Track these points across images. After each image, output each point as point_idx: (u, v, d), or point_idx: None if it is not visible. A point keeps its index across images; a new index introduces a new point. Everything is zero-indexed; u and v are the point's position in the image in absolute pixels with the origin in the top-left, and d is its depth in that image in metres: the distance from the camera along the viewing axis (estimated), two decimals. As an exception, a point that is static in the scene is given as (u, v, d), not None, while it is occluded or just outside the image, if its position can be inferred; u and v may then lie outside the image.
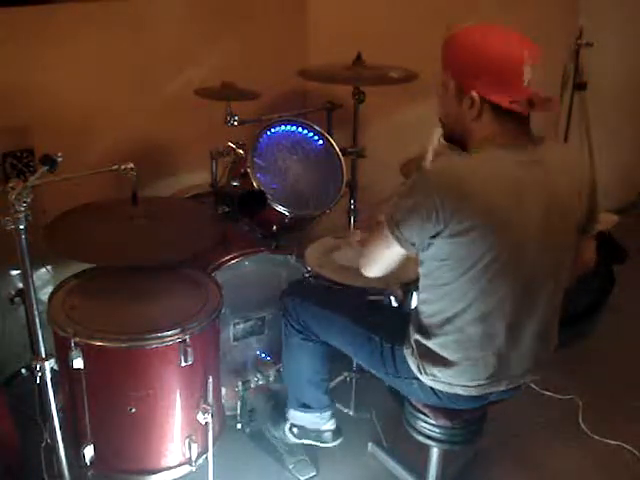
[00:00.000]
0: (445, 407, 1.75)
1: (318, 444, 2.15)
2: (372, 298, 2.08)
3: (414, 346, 1.70)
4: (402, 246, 1.60)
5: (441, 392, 1.69)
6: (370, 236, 1.74)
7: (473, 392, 1.67)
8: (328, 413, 2.11)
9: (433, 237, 1.53)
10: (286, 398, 2.15)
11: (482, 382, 1.66)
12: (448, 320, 1.62)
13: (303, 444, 2.17)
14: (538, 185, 1.54)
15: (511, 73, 1.51)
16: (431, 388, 1.70)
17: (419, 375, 1.69)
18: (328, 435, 2.13)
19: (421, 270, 1.66)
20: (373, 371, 1.87)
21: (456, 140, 1.66)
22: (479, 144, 1.59)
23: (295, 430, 2.16)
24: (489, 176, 1.52)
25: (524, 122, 1.57)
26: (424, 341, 1.67)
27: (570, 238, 1.64)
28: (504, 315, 1.60)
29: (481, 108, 1.54)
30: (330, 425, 2.13)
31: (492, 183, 1.51)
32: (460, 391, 1.67)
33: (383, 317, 1.93)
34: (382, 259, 1.70)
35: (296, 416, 2.13)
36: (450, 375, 1.65)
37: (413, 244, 1.58)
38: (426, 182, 1.53)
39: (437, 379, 1.67)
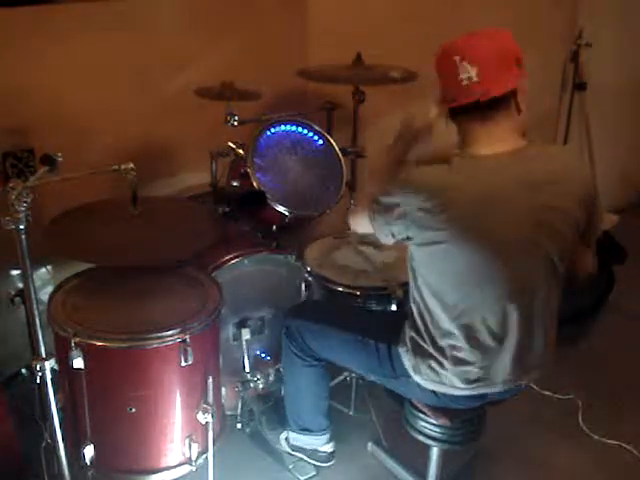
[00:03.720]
0: (445, 406, 1.75)
1: (311, 461, 2.14)
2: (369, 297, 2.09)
3: (409, 345, 1.70)
4: (377, 234, 1.65)
5: (438, 392, 1.70)
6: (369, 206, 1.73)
7: (467, 392, 1.67)
8: (327, 436, 2.11)
9: (407, 239, 1.58)
10: (286, 415, 2.13)
11: (473, 385, 1.66)
12: (434, 321, 1.63)
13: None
14: (526, 192, 1.54)
15: (448, 75, 1.53)
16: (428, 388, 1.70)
17: (414, 375, 1.70)
18: (323, 455, 2.13)
19: (408, 268, 1.68)
20: (373, 376, 1.88)
21: None
22: (465, 146, 1.61)
23: (291, 442, 2.15)
24: (471, 187, 1.53)
25: (488, 117, 1.54)
26: (418, 339, 1.68)
27: (565, 243, 1.61)
28: (492, 317, 1.59)
29: (446, 117, 1.60)
30: (328, 447, 2.13)
31: (472, 194, 1.52)
32: (454, 392, 1.67)
33: (377, 320, 1.94)
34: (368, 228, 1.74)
35: (295, 438, 2.13)
36: (443, 375, 1.65)
37: (387, 236, 1.63)
38: (405, 188, 1.56)
39: (431, 379, 1.67)
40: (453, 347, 1.62)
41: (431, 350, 1.65)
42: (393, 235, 1.61)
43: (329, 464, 2.14)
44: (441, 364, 1.64)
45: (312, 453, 2.13)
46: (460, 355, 1.62)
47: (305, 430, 2.09)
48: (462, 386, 1.66)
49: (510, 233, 1.54)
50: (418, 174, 1.59)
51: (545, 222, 1.56)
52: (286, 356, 2.02)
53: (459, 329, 1.60)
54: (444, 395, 1.70)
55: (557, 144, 1.74)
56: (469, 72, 1.49)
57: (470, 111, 1.53)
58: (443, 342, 1.63)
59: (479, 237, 1.52)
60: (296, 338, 1.95)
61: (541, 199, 1.55)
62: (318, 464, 2.14)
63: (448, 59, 1.52)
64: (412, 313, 1.70)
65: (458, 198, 1.51)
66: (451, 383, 1.66)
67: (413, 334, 1.69)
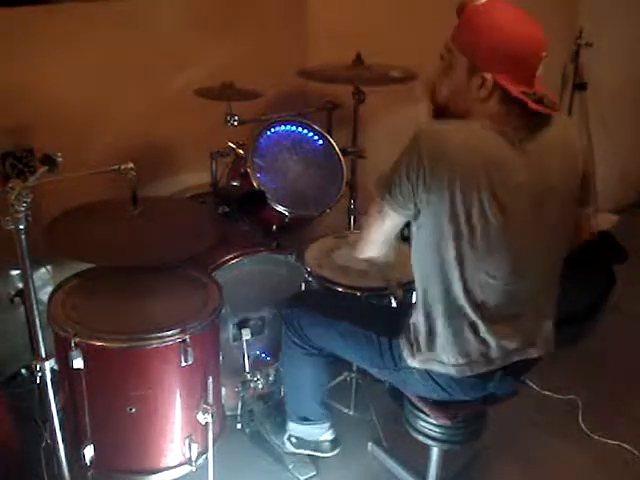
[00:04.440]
0: (445, 400, 1.75)
1: (317, 454, 2.15)
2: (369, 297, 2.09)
3: (411, 329, 1.69)
4: (394, 210, 1.59)
5: (438, 377, 1.68)
6: (365, 219, 1.72)
7: (467, 371, 1.64)
8: (327, 424, 2.11)
9: (421, 199, 1.53)
10: (285, 406, 2.14)
11: (473, 359, 1.64)
12: (434, 294, 1.62)
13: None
14: (532, 164, 1.53)
15: (529, 66, 1.51)
16: (428, 374, 1.69)
17: (412, 359, 1.68)
18: (327, 445, 2.13)
19: (411, 245, 1.66)
20: (374, 369, 1.87)
21: (449, 116, 1.63)
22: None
23: (294, 440, 2.16)
24: (478, 147, 1.50)
25: (529, 114, 1.53)
26: (417, 316, 1.67)
27: (565, 216, 1.63)
28: (490, 289, 1.58)
29: (492, 91, 1.52)
30: (329, 435, 2.13)
31: (480, 155, 1.49)
32: (453, 371, 1.65)
33: (378, 314, 1.94)
34: (378, 236, 1.70)
35: (296, 429, 2.13)
36: (440, 351, 1.64)
37: (403, 206, 1.57)
38: (413, 145, 1.51)
39: (429, 359, 1.66)
40: (448, 319, 1.62)
41: (429, 324, 1.64)
42: (415, 205, 1.55)
43: (334, 453, 2.14)
44: (437, 338, 1.63)
45: (315, 445, 2.14)
46: (454, 327, 1.61)
47: (304, 419, 2.10)
48: (460, 362, 1.63)
49: (512, 200, 1.52)
50: (423, 131, 1.53)
51: (545, 194, 1.56)
52: (285, 344, 2.02)
53: (464, 300, 1.58)
54: (443, 381, 1.68)
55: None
56: (540, 71, 1.50)
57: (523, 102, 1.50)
58: (439, 314, 1.62)
59: (480, 201, 1.50)
60: (295, 326, 1.95)
61: (542, 173, 1.55)
62: (323, 455, 2.14)
63: (537, 48, 1.50)
64: (416, 298, 1.69)
65: (461, 162, 1.48)
66: (448, 361, 1.64)
67: (414, 321, 1.68)
